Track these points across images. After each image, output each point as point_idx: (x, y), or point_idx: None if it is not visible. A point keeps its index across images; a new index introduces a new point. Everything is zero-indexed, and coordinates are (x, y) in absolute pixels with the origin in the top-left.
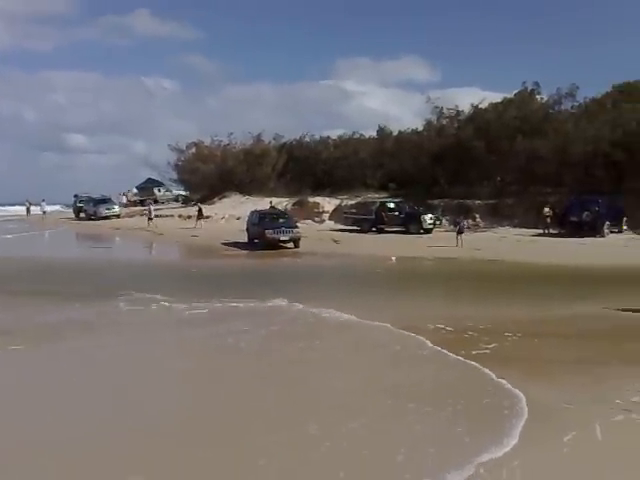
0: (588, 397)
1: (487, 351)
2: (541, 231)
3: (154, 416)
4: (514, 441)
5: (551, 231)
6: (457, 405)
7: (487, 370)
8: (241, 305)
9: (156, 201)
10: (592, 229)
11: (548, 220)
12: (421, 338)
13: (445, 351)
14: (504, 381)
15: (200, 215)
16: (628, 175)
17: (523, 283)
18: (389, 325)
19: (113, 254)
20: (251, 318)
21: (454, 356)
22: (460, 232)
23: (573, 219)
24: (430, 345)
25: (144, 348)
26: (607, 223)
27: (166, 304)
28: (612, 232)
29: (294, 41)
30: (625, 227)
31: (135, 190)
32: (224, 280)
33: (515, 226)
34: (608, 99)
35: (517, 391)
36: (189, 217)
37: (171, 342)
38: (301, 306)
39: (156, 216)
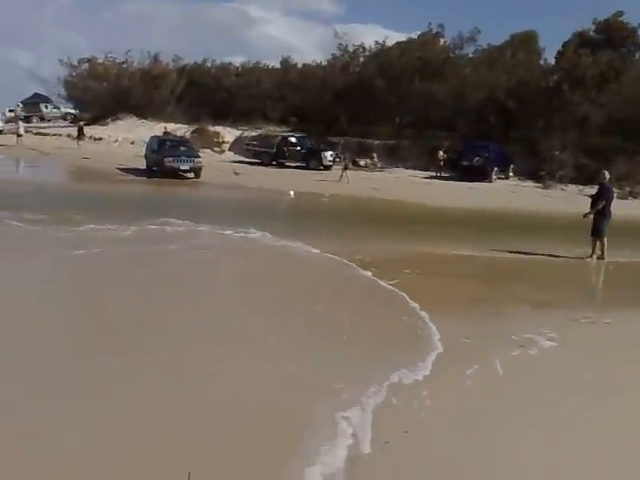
0: (485, 333)
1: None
2: (434, 174)
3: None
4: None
5: (443, 174)
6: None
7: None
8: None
9: (42, 118)
10: (482, 174)
11: (441, 163)
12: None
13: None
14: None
15: (80, 135)
16: (516, 124)
17: (418, 223)
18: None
19: None
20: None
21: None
22: (346, 168)
23: (464, 163)
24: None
25: None
26: (495, 169)
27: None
28: (500, 178)
29: None
30: (511, 174)
31: (20, 105)
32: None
33: (408, 168)
34: (507, 48)
35: (430, 323)
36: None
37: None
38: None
39: (41, 133)
